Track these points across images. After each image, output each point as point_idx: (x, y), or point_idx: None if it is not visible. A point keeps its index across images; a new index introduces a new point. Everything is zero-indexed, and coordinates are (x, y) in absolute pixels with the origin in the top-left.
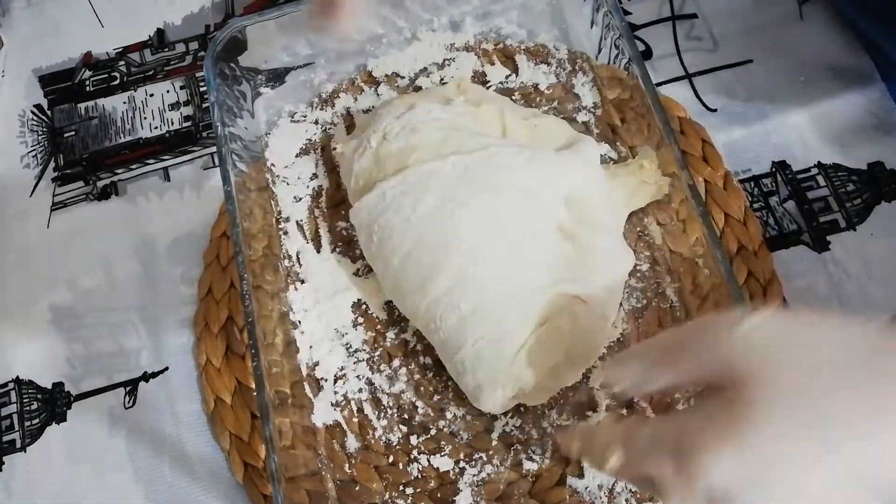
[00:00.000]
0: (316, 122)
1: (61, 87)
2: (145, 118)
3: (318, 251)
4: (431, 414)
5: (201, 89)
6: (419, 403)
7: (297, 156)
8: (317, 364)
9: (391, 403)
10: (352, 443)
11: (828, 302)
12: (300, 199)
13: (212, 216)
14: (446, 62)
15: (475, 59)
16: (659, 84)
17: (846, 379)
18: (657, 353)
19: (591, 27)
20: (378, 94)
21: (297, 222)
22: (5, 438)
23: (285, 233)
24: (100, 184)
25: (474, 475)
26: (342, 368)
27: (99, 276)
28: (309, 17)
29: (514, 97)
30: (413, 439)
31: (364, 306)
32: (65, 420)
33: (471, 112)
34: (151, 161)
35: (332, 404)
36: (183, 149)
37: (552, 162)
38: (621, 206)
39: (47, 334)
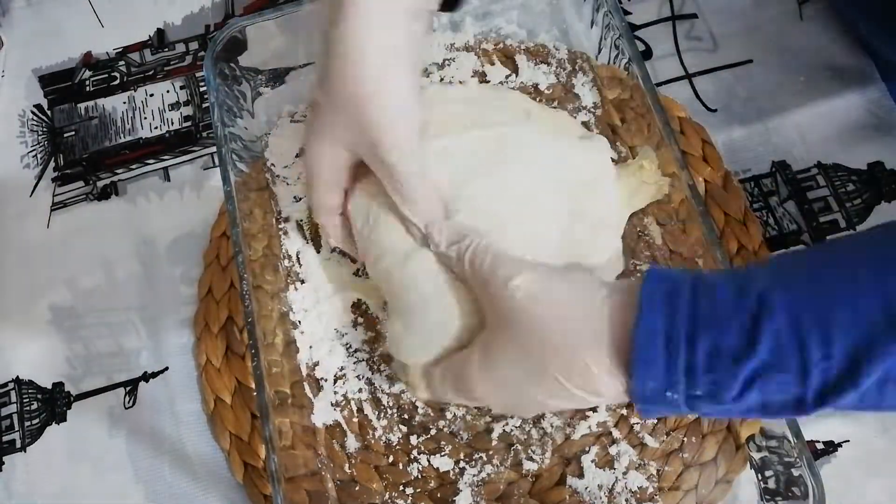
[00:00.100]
0: None
1: (61, 87)
2: (145, 118)
3: (318, 251)
4: (431, 414)
5: (201, 89)
6: (419, 403)
7: (297, 156)
8: (317, 364)
9: (391, 403)
10: (352, 443)
11: None
12: (300, 199)
13: (212, 216)
14: (446, 62)
15: (475, 59)
16: (659, 84)
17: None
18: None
19: (591, 27)
20: None
21: (297, 222)
22: (5, 438)
23: (285, 233)
24: (100, 184)
25: (474, 475)
26: (342, 368)
27: (99, 276)
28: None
29: None
30: (413, 439)
31: (364, 306)
32: (65, 420)
33: (496, 94)
34: (151, 161)
35: (332, 404)
36: (183, 149)
37: (574, 148)
38: (622, 207)
39: (47, 334)
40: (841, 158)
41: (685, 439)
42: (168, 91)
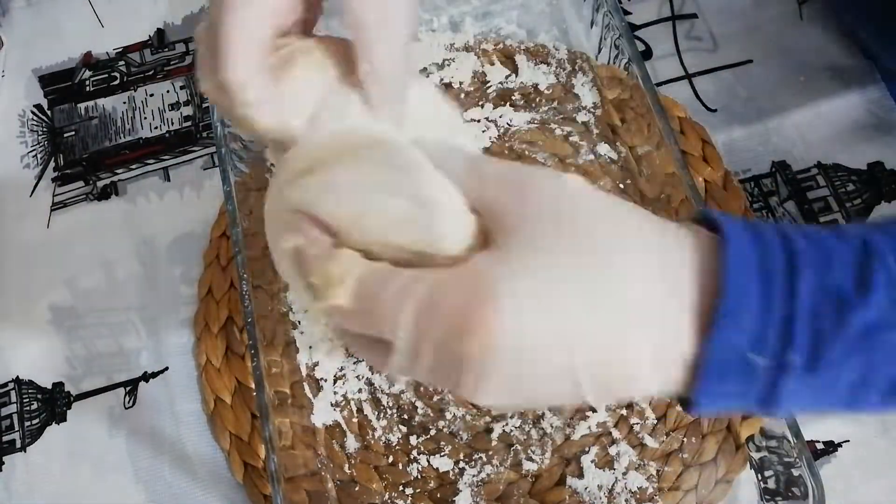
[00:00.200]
0: None
1: (61, 87)
2: (145, 118)
3: None
4: (431, 414)
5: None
6: (419, 404)
7: None
8: (316, 364)
9: (391, 404)
10: (351, 443)
11: None
12: None
13: (212, 216)
14: (446, 62)
15: (475, 60)
16: (659, 84)
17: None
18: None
19: (591, 27)
20: None
21: None
22: (5, 438)
23: None
24: (100, 184)
25: (474, 475)
26: (342, 368)
27: (99, 276)
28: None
29: (513, 97)
30: (413, 439)
31: None
32: (65, 420)
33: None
34: (151, 161)
35: (331, 404)
36: (183, 149)
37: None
38: None
39: (47, 334)
40: (841, 158)
41: (685, 439)
42: (168, 91)
